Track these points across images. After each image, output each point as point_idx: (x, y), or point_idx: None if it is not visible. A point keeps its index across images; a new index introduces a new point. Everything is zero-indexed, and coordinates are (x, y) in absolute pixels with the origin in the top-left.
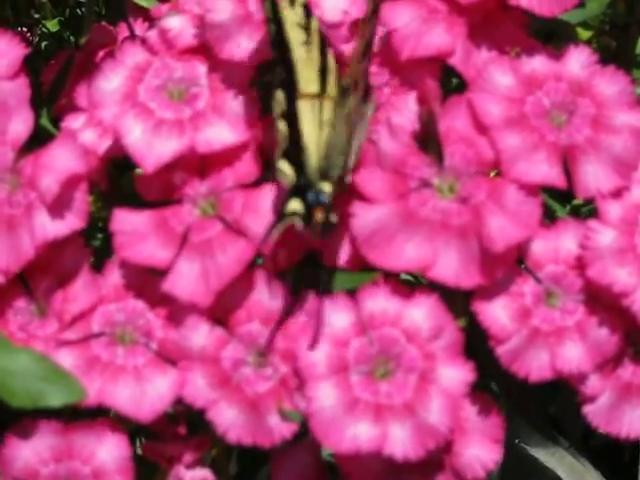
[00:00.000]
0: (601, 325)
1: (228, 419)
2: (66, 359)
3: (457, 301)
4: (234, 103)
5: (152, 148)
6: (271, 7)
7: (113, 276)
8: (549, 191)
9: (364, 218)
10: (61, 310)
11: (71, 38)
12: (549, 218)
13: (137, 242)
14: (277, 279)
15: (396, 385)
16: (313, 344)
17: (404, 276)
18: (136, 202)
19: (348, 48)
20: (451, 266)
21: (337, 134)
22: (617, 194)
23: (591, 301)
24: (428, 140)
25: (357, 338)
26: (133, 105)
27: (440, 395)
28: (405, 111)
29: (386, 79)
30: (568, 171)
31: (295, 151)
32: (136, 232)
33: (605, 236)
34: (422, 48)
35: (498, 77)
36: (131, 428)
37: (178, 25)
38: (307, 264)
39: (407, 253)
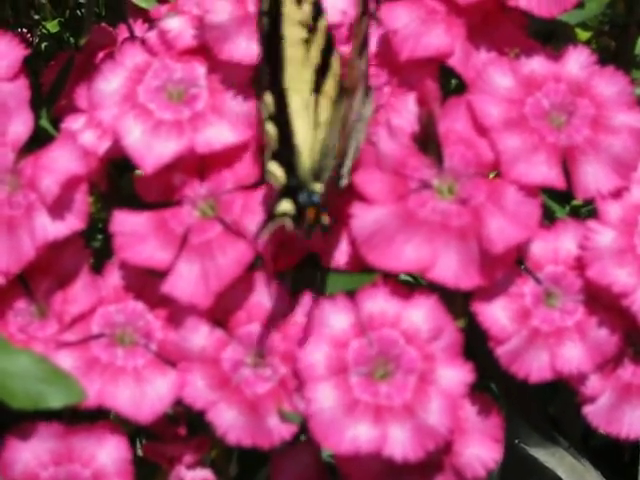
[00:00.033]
0: (601, 325)
1: (228, 420)
2: (66, 360)
3: (457, 302)
4: (233, 104)
5: (151, 149)
6: (271, 2)
7: (113, 277)
8: (548, 192)
9: (364, 219)
10: (61, 311)
11: (71, 39)
12: (549, 219)
13: (137, 243)
14: (277, 280)
15: (395, 386)
16: (304, 342)
17: (403, 277)
18: (136, 203)
19: (348, 49)
20: (451, 267)
21: (333, 135)
22: (617, 194)
23: (591, 301)
24: (428, 141)
25: (356, 339)
26: (133, 106)
27: (440, 396)
28: (404, 112)
29: (385, 80)
30: (568, 172)
31: (286, 152)
32: (136, 233)
33: (605, 236)
34: (421, 49)
35: (497, 78)
36: (131, 429)
37: (177, 26)
38: (306, 265)
39: (407, 254)
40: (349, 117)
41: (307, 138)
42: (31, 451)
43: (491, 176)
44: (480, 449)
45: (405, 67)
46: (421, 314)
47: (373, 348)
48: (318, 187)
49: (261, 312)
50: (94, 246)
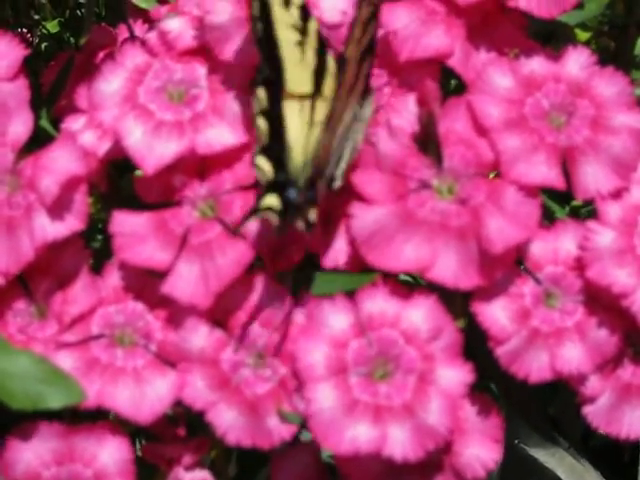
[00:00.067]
0: (601, 326)
1: (227, 421)
2: (65, 361)
3: (456, 302)
4: (234, 104)
5: (152, 150)
6: (260, 6)
7: (112, 278)
8: (548, 192)
9: (363, 219)
10: (60, 312)
11: (71, 39)
12: (548, 219)
13: (136, 244)
14: (276, 281)
15: (395, 386)
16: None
17: (403, 277)
18: (135, 204)
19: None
20: (450, 267)
21: (329, 135)
22: (616, 195)
23: (590, 302)
24: (427, 141)
25: (356, 339)
26: (133, 107)
27: (439, 396)
28: (404, 113)
29: (385, 81)
30: (567, 172)
31: (276, 147)
32: (135, 234)
33: (604, 237)
34: (421, 50)
35: (497, 79)
36: (131, 430)
37: (178, 27)
38: (306, 266)
39: (406, 254)
40: (345, 118)
41: (300, 135)
42: (33, 451)
43: (491, 176)
44: (480, 449)
45: (405, 68)
46: (421, 314)
47: (373, 348)
48: (309, 185)
49: (261, 312)
50: (94, 247)
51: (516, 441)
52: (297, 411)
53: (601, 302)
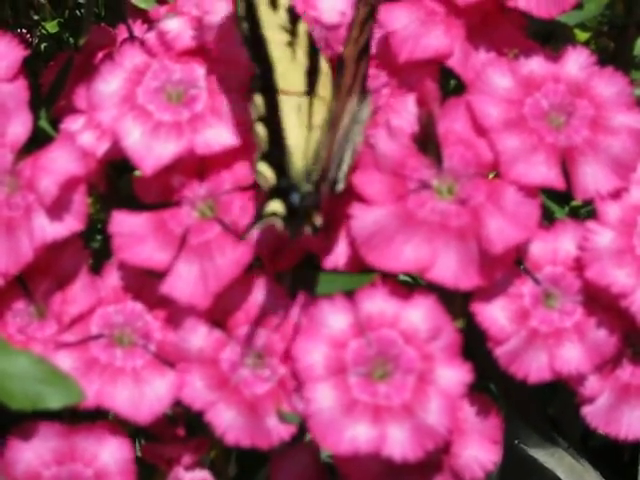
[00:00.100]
0: (600, 326)
1: (226, 421)
2: (65, 361)
3: (456, 302)
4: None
5: (151, 150)
6: (245, 6)
7: (112, 278)
8: (548, 192)
9: (363, 220)
10: (60, 312)
11: (70, 39)
12: (548, 219)
13: (135, 244)
14: (275, 281)
15: (394, 386)
16: (302, 342)
17: (403, 277)
18: (134, 204)
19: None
20: (450, 267)
21: (330, 137)
22: (616, 195)
23: (590, 302)
24: (427, 142)
25: (355, 339)
26: (132, 107)
27: (438, 396)
28: (404, 113)
29: (384, 81)
30: (567, 172)
31: (277, 153)
32: (134, 234)
33: (604, 237)
34: (420, 50)
35: (496, 79)
36: (130, 430)
37: (176, 27)
38: (305, 266)
39: (406, 254)
40: (343, 120)
41: (300, 139)
42: (33, 450)
43: (490, 176)
44: (478, 451)
45: (404, 68)
46: (420, 314)
47: (372, 348)
48: (312, 188)
49: (260, 313)
50: (93, 247)
51: (516, 441)
52: (296, 411)
53: (600, 302)
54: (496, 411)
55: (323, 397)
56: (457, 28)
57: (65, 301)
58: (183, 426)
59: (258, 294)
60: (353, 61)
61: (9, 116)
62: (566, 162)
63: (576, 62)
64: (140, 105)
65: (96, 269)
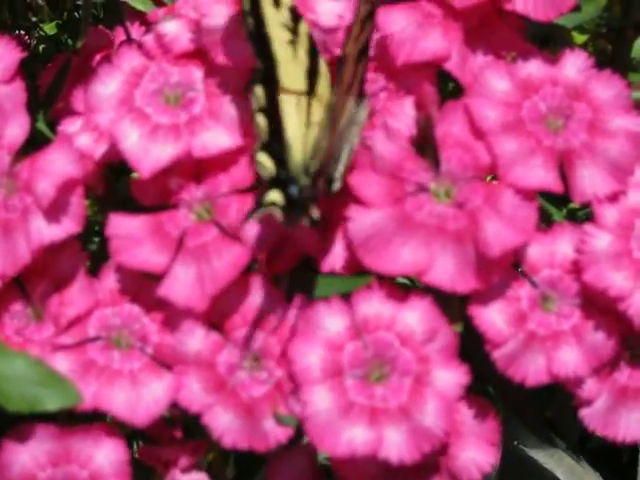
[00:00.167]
0: (597, 329)
1: (223, 423)
2: (62, 363)
3: (453, 305)
4: (230, 108)
5: (148, 153)
6: (250, 2)
7: (109, 280)
8: (545, 194)
9: (360, 222)
10: (57, 314)
11: (69, 41)
12: (545, 221)
13: (133, 246)
14: (272, 284)
15: (391, 388)
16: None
17: (401, 280)
18: (132, 206)
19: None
20: (447, 270)
21: (329, 133)
22: (613, 198)
23: (587, 305)
24: (425, 145)
25: (352, 342)
26: (129, 110)
27: (435, 398)
28: (401, 116)
29: (382, 84)
30: (565, 175)
31: (276, 146)
32: (132, 236)
33: (601, 240)
34: (418, 53)
35: (494, 82)
36: (128, 432)
37: (174, 30)
38: (302, 269)
39: (403, 257)
40: (341, 119)
41: (298, 134)
42: (29, 452)
43: (488, 180)
44: (476, 452)
45: (402, 71)
46: (416, 316)
47: (368, 351)
48: (310, 182)
49: (257, 315)
50: (90, 249)
51: (515, 442)
52: (293, 414)
53: (598, 305)
54: (494, 413)
55: (320, 399)
56: (455, 31)
57: (62, 303)
58: (180, 428)
59: (255, 297)
60: (353, 59)
61: (6, 118)
62: (564, 165)
63: (574, 65)
64: (138, 108)
65: (93, 271)
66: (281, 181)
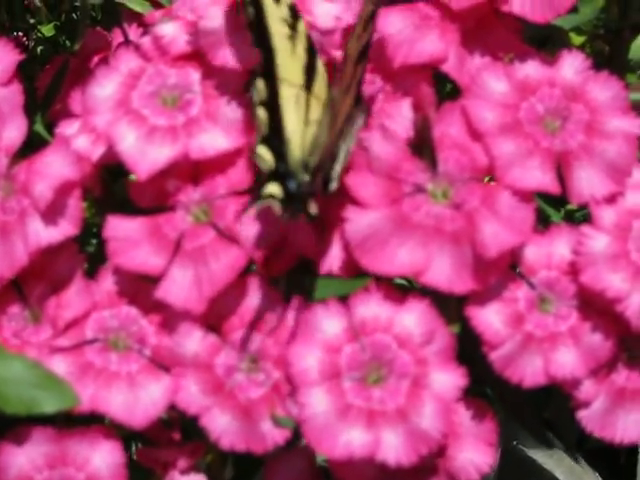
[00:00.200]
0: (595, 330)
1: (221, 425)
2: (59, 365)
3: (450, 306)
4: (228, 109)
5: (145, 155)
6: None
7: (107, 282)
8: (543, 196)
9: (357, 223)
10: (55, 316)
11: (66, 43)
12: (543, 223)
13: (130, 249)
14: (270, 286)
15: (389, 391)
16: (297, 347)
17: (398, 281)
18: (129, 208)
19: (340, 54)
20: (444, 271)
21: (324, 133)
22: (611, 200)
23: (585, 306)
24: (422, 146)
25: (349, 344)
26: (127, 112)
27: (433, 400)
28: (398, 118)
29: (379, 86)
30: (562, 177)
31: (276, 140)
32: (129, 239)
33: (598, 242)
34: (415, 55)
35: (492, 83)
36: (126, 434)
37: (171, 32)
38: (300, 271)
39: (400, 258)
40: (340, 119)
41: (297, 130)
42: (25, 455)
43: (485, 181)
44: (474, 453)
45: (399, 73)
46: (413, 318)
47: (366, 353)
48: (308, 177)
49: (254, 317)
50: (88, 251)
51: (514, 442)
52: (291, 416)
53: (595, 307)
54: (492, 414)
55: (317, 402)
56: (452, 32)
57: (60, 305)
58: (178, 430)
59: (253, 299)
60: (353, 59)
61: (4, 120)
62: (561, 166)
63: (571, 66)
64: (135, 109)
65: (91, 273)
66: (280, 174)
